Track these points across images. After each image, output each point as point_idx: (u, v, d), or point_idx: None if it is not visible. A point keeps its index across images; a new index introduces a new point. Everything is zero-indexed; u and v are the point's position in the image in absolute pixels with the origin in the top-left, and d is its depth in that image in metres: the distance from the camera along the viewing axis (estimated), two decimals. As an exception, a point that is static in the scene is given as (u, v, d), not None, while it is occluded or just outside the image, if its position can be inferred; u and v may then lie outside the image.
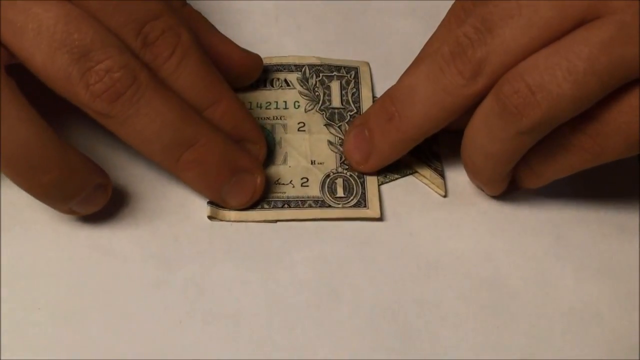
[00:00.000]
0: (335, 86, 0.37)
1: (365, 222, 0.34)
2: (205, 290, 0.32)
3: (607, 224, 0.35)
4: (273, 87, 0.37)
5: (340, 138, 0.36)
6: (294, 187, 0.35)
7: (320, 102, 0.37)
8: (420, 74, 0.32)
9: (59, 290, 0.32)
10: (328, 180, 0.35)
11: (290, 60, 0.38)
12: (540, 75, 0.29)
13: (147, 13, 0.31)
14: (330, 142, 0.36)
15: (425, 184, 0.36)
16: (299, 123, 0.36)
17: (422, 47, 0.35)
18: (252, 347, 0.31)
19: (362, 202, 0.35)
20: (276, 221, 0.34)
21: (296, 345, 0.31)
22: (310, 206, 0.34)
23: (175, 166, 0.32)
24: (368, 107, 0.36)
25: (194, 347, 0.31)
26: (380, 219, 0.34)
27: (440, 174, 0.36)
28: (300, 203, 0.34)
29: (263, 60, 0.37)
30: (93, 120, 0.31)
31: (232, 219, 0.34)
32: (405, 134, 0.33)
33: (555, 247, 0.34)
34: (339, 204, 0.34)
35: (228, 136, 0.33)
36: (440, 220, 0.35)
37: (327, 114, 0.37)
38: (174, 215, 0.34)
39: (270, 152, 0.35)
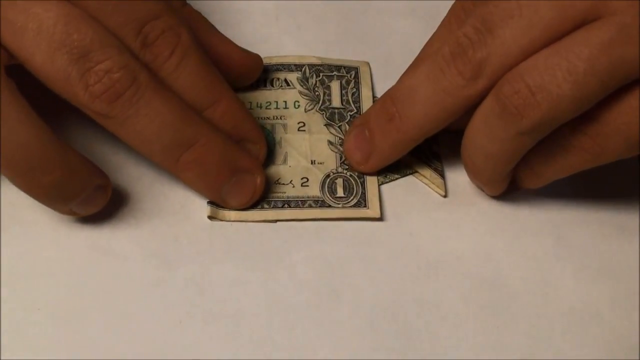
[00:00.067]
0: (335, 86, 0.37)
1: (365, 222, 0.34)
2: (205, 290, 0.32)
3: (607, 225, 0.35)
4: (273, 87, 0.37)
5: (340, 138, 0.36)
6: (294, 187, 0.35)
7: (320, 102, 0.37)
8: (421, 74, 0.32)
9: (59, 290, 0.32)
10: (328, 180, 0.35)
11: (290, 60, 0.38)
12: (540, 75, 0.29)
13: (146, 13, 0.31)
14: (330, 142, 0.36)
15: (426, 184, 0.36)
16: (299, 123, 0.36)
17: (422, 47, 0.35)
18: (252, 347, 0.31)
19: (362, 202, 0.35)
20: (276, 221, 0.34)
21: (296, 345, 0.31)
22: (310, 206, 0.34)
23: (175, 166, 0.32)
24: (368, 107, 0.36)
25: (194, 347, 0.31)
26: (380, 219, 0.34)
27: (440, 174, 0.36)
28: (300, 203, 0.34)
29: (263, 60, 0.37)
30: (92, 121, 0.31)
31: (232, 219, 0.34)
32: (405, 134, 0.33)
33: (555, 247, 0.34)
34: (339, 204, 0.34)
35: (228, 136, 0.33)
36: (440, 220, 0.35)
37: (327, 114, 0.37)
38: (174, 215, 0.34)
39: (270, 152, 0.35)
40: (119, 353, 0.31)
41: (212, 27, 0.36)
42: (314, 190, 0.35)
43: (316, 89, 0.37)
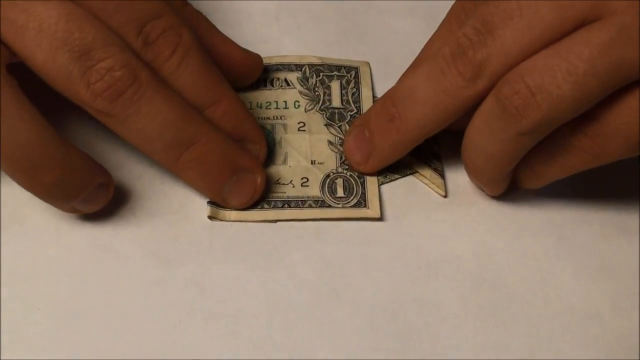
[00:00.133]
0: (335, 86, 0.37)
1: (365, 222, 0.34)
2: (205, 289, 0.32)
3: (608, 225, 0.35)
4: (273, 86, 0.37)
5: (340, 138, 0.36)
6: (294, 187, 0.35)
7: (321, 101, 0.37)
8: (421, 75, 0.32)
9: (59, 290, 0.32)
10: (328, 180, 0.35)
11: (291, 60, 0.38)
12: (540, 76, 0.29)
13: (148, 12, 0.31)
14: (330, 142, 0.36)
15: (426, 184, 0.36)
16: (299, 123, 0.36)
17: (422, 47, 0.35)
18: (252, 347, 0.31)
19: (362, 202, 0.35)
20: (276, 221, 0.34)
21: (296, 345, 0.31)
22: (310, 206, 0.34)
23: (175, 165, 0.32)
24: (368, 107, 0.36)
25: (194, 347, 0.31)
26: (380, 219, 0.34)
27: (440, 174, 0.36)
28: (300, 203, 0.34)
29: (263, 60, 0.37)
30: (94, 119, 0.31)
31: (232, 219, 0.34)
32: (405, 134, 0.33)
33: (556, 247, 0.34)
34: (339, 204, 0.34)
35: (228, 136, 0.33)
36: (440, 220, 0.35)
37: (327, 114, 0.37)
38: (175, 215, 0.34)
39: (270, 151, 0.35)
40: (119, 353, 0.31)
41: (213, 27, 0.36)
42: (314, 190, 0.35)
43: (316, 88, 0.37)
